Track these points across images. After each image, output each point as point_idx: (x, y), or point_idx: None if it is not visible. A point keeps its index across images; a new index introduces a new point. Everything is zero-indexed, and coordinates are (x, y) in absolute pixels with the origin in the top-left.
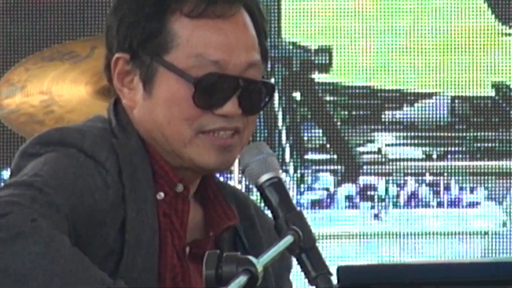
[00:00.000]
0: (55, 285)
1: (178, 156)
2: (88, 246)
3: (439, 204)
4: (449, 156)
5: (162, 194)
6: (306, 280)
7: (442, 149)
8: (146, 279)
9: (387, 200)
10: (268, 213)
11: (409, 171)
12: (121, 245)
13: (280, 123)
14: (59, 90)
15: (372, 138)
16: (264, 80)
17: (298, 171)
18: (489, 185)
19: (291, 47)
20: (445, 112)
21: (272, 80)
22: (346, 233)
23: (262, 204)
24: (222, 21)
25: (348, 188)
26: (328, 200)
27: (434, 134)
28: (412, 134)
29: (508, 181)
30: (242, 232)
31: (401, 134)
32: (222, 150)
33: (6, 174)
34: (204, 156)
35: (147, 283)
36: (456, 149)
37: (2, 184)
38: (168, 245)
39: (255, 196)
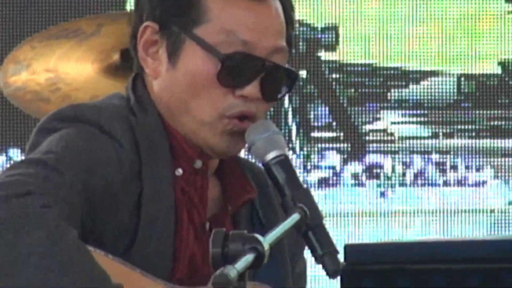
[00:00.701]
0: (49, 272)
1: (194, 132)
2: (102, 225)
3: (446, 183)
4: (455, 135)
5: (180, 171)
6: (313, 259)
7: (448, 127)
8: (161, 258)
9: (393, 178)
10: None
11: (415, 149)
12: (136, 222)
13: (286, 102)
14: (65, 68)
15: (379, 116)
16: (288, 68)
17: (305, 149)
18: (496, 163)
19: (297, 25)
20: (452, 90)
21: None
22: (352, 211)
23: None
24: (256, 3)
25: (355, 166)
26: (335, 178)
27: (441, 112)
28: (419, 112)
29: None
30: (260, 208)
31: (408, 112)
32: (234, 134)
33: (12, 152)
34: (219, 140)
35: (161, 263)
36: (463, 127)
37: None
38: (184, 224)
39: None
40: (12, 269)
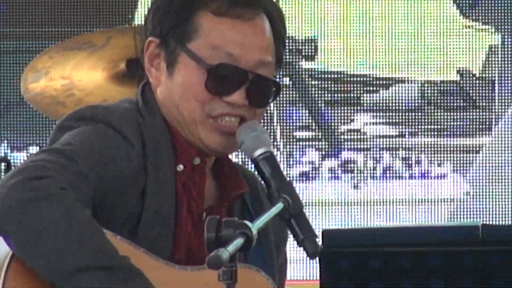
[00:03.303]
0: (66, 244)
1: (190, 132)
2: (111, 210)
3: (411, 176)
4: (419, 134)
5: (181, 167)
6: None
7: (413, 127)
8: (161, 243)
9: (365, 172)
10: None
11: (384, 146)
12: (140, 211)
13: (271, 105)
14: (79, 76)
15: (352, 118)
16: (272, 79)
17: (287, 147)
18: (455, 159)
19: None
20: (416, 95)
21: None
22: (329, 201)
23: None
24: (242, 22)
25: (331, 162)
26: (314, 172)
27: (406, 114)
28: (387, 114)
29: (471, 156)
30: (250, 204)
31: (378, 114)
32: (228, 135)
33: (32, 149)
34: (210, 138)
35: (162, 247)
36: (426, 127)
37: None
38: (183, 214)
39: (250, 168)
40: (37, 239)
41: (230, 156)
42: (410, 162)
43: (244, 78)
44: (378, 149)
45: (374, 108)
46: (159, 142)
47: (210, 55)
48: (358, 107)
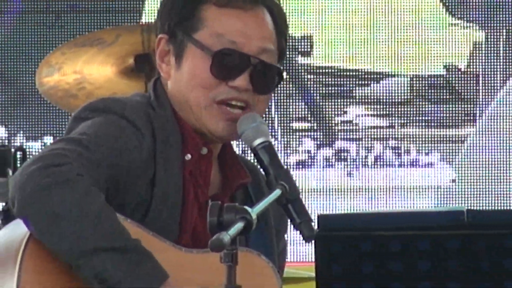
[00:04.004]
0: (82, 226)
1: (197, 121)
2: (122, 196)
3: (401, 164)
4: (409, 125)
5: (189, 156)
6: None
7: (403, 119)
8: (169, 228)
9: (357, 161)
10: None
11: (375, 137)
12: (150, 198)
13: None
14: (90, 70)
15: (346, 110)
16: (273, 64)
17: (285, 137)
18: (441, 149)
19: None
20: (405, 88)
21: None
22: (324, 188)
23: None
24: (244, 12)
25: (326, 151)
26: (310, 160)
27: (396, 106)
28: (378, 106)
29: (457, 145)
30: (252, 193)
31: (370, 106)
32: (231, 122)
33: (46, 139)
34: (215, 125)
35: (169, 231)
36: (415, 119)
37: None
38: (190, 200)
39: (250, 157)
40: (54, 222)
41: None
42: (399, 151)
43: (247, 62)
44: (369, 139)
45: (366, 100)
46: (168, 133)
47: (214, 43)
48: (351, 100)
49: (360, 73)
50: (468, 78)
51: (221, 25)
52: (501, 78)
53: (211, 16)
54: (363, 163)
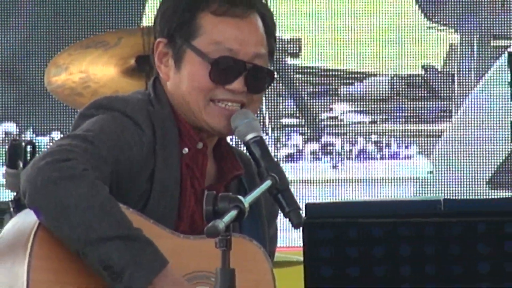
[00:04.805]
0: (88, 217)
1: (196, 119)
2: (125, 188)
3: (382, 157)
4: (389, 121)
5: (186, 150)
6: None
7: (384, 115)
8: (168, 216)
9: (342, 154)
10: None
11: (359, 132)
12: (150, 189)
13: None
14: (94, 70)
15: (331, 107)
16: (267, 68)
17: (275, 132)
18: (420, 143)
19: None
20: (386, 87)
21: None
22: (311, 179)
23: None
24: (239, 20)
25: (313, 145)
26: (298, 154)
27: (378, 104)
28: (362, 104)
29: (434, 139)
30: (246, 183)
31: (354, 103)
32: (229, 118)
33: (54, 133)
34: (215, 121)
35: (168, 219)
36: (395, 115)
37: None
38: (187, 191)
39: (243, 150)
40: (63, 213)
41: (228, 141)
42: (381, 145)
43: (243, 68)
44: (353, 134)
45: (350, 98)
46: (167, 129)
47: (212, 50)
48: (336, 98)
49: (344, 72)
50: (444, 77)
51: (219, 34)
52: (475, 77)
53: (209, 25)
54: (348, 156)
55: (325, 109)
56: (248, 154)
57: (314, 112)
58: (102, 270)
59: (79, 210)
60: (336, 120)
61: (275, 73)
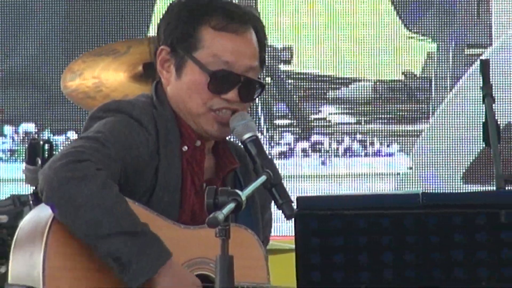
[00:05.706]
0: (99, 215)
1: (194, 122)
2: (132, 185)
3: (366, 154)
4: (372, 122)
5: (186, 147)
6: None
7: (368, 116)
8: (171, 208)
9: (330, 151)
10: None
11: (345, 131)
12: (154, 184)
13: (257, 100)
14: (106, 76)
15: (320, 109)
16: (258, 80)
17: (269, 132)
18: (400, 141)
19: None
20: (370, 91)
21: None
22: (302, 175)
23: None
24: (236, 35)
25: (303, 144)
26: (289, 152)
27: (362, 106)
28: (348, 106)
29: (413, 139)
30: (240, 176)
31: (340, 106)
32: (223, 125)
33: (70, 133)
34: (210, 127)
35: (171, 212)
36: (378, 116)
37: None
38: (188, 185)
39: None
40: (76, 211)
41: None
42: (365, 143)
43: (237, 80)
44: (340, 133)
45: (337, 101)
46: (168, 129)
47: (210, 62)
48: (324, 101)
49: (332, 78)
50: (422, 83)
51: (217, 47)
52: (450, 82)
53: (208, 39)
54: (335, 154)
55: (314, 111)
56: (246, 152)
57: (304, 113)
58: (111, 261)
59: (90, 207)
60: (324, 121)
61: (269, 79)
